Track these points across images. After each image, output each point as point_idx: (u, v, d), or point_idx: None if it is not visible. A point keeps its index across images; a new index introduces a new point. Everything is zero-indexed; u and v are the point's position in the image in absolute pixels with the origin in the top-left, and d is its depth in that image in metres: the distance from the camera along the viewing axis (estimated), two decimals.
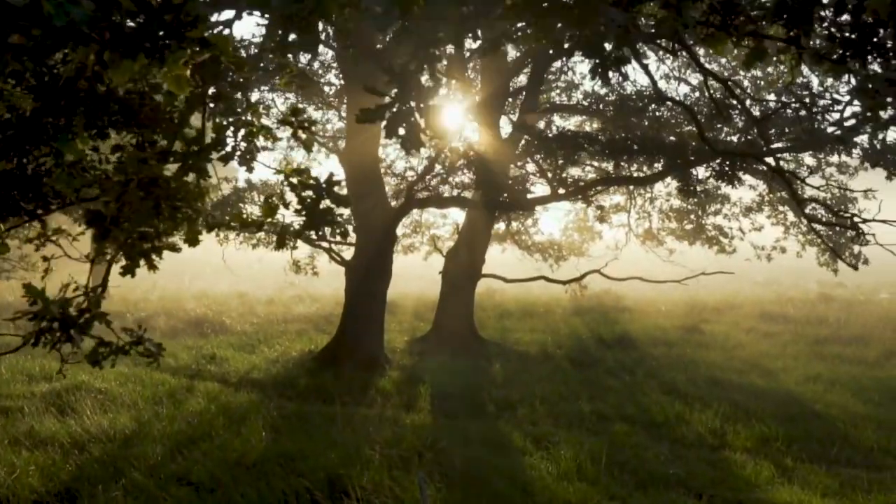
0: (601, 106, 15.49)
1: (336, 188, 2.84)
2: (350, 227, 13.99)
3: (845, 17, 3.96)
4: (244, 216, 3.25)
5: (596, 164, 14.75)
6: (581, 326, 18.54)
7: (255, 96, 17.46)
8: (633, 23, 2.48)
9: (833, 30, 4.14)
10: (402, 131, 2.16)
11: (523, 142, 13.47)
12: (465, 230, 16.16)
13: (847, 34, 3.94)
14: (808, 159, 16.93)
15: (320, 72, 17.09)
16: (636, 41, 2.57)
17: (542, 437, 8.88)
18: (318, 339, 15.73)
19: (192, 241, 3.13)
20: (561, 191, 12.62)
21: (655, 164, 12.28)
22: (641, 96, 12.66)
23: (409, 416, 10.02)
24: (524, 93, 15.72)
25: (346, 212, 14.86)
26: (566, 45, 2.62)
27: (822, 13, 4.00)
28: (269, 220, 3.03)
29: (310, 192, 2.81)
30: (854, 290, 24.84)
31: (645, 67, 5.43)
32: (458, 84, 16.78)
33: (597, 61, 2.66)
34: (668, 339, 16.84)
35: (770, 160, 11.05)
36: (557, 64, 19.45)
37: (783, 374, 13.37)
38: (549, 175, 12.56)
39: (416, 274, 25.20)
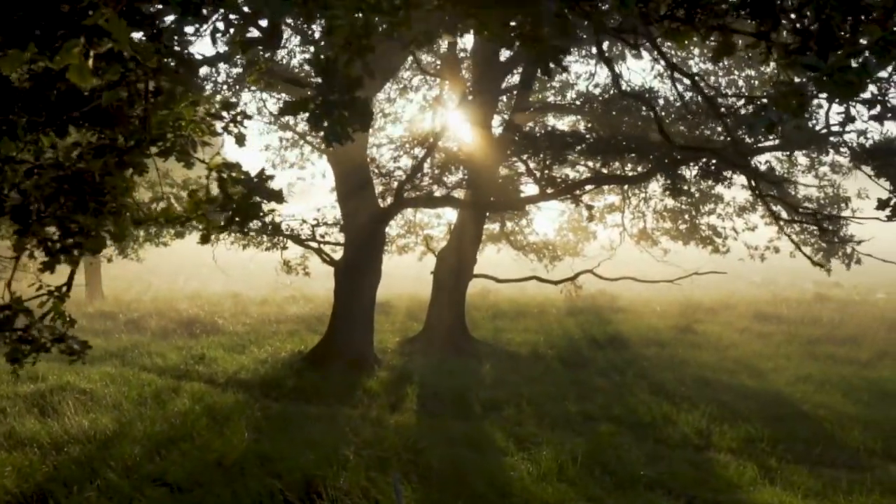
0: (594, 105, 15.40)
1: (268, 183, 2.80)
2: (337, 227, 13.95)
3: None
4: (171, 210, 3.20)
5: (589, 164, 14.67)
6: (574, 327, 18.47)
7: (246, 96, 17.47)
8: (574, 12, 2.42)
9: (797, 24, 4.08)
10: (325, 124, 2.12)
11: (512, 141, 13.39)
12: (457, 230, 16.11)
13: (807, 26, 3.88)
14: (802, 158, 16.86)
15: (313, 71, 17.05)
16: (576, 30, 2.51)
17: (525, 438, 8.82)
18: (309, 340, 15.67)
19: (119, 236, 3.08)
20: (549, 190, 12.55)
21: (645, 164, 12.20)
22: (633, 94, 12.55)
23: (393, 417, 9.97)
24: (515, 91, 15.65)
25: (335, 216, 14.79)
26: (508, 36, 2.57)
27: (786, 4, 3.93)
28: (195, 214, 2.99)
29: (240, 188, 2.77)
30: (850, 290, 24.72)
31: (608, 62, 5.35)
32: (451, 82, 16.77)
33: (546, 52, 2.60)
34: (661, 340, 16.76)
35: (758, 159, 10.96)
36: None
37: (774, 375, 13.28)
38: (537, 174, 12.49)
39: (410, 274, 25.14)
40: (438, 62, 18.10)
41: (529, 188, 14.20)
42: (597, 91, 16.85)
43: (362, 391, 11.61)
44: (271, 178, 2.87)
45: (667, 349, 15.65)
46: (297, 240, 14.10)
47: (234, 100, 13.66)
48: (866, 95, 5.71)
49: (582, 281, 19.22)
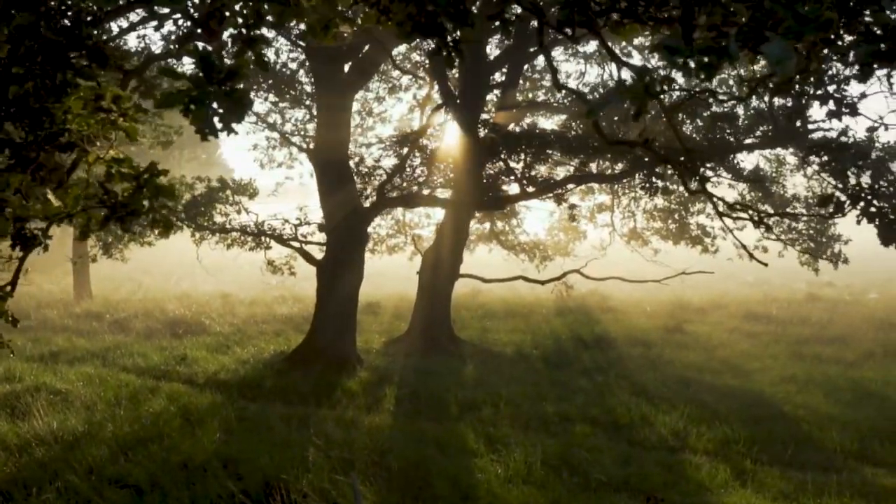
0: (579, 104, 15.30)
1: (160, 179, 2.72)
2: (321, 227, 13.86)
3: None
4: (50, 206, 3.11)
5: (573, 163, 14.58)
6: (562, 327, 18.36)
7: None
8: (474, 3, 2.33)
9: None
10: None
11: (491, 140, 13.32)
12: (443, 230, 16.01)
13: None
14: (791, 157, 16.76)
15: (299, 70, 16.96)
16: (481, 21, 2.43)
17: (497, 439, 8.72)
18: (294, 340, 15.57)
19: None
20: (530, 189, 12.47)
21: (624, 163, 12.12)
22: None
23: (368, 418, 9.88)
24: (499, 90, 15.56)
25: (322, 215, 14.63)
26: (409, 28, 2.49)
27: None
28: (75, 210, 2.90)
29: (127, 183, 2.69)
30: (842, 289, 24.60)
31: (546, 54, 5.25)
32: (438, 81, 16.68)
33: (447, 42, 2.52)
34: (649, 340, 16.65)
35: (740, 157, 10.82)
36: (541, 61, 19.33)
37: (759, 375, 13.19)
38: (518, 174, 12.41)
39: (402, 274, 25.02)
40: (427, 61, 18.05)
41: (513, 187, 14.13)
42: (586, 90, 16.81)
43: (341, 392, 11.54)
44: (164, 172, 2.80)
45: (653, 349, 15.56)
46: (280, 239, 14.03)
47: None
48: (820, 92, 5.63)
49: (573, 281, 19.14)
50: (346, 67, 13.15)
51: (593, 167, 14.93)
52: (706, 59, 2.05)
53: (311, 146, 15.60)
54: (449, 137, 15.87)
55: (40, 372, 11.98)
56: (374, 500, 6.56)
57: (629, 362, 14.18)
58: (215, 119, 2.07)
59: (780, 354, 15.04)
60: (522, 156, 12.15)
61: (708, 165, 12.42)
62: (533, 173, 12.42)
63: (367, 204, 14.13)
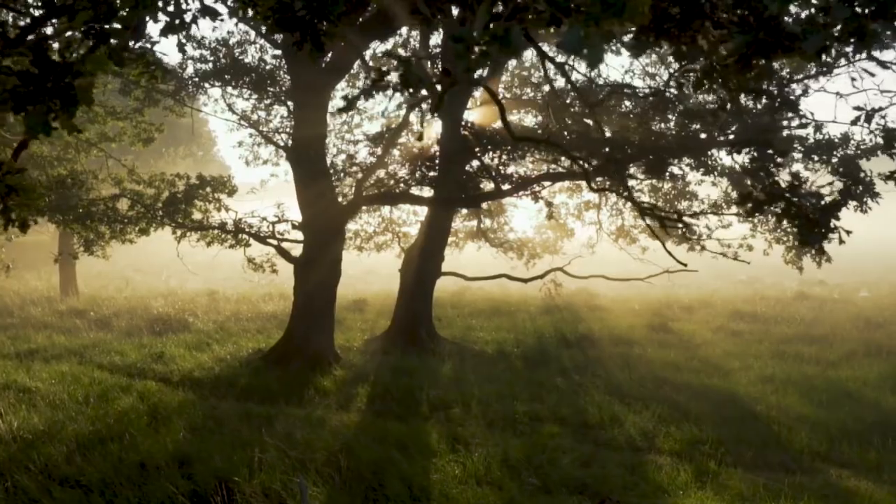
0: (560, 101, 15.21)
1: (14, 176, 2.64)
2: (299, 224, 13.78)
3: None
4: None
5: (552, 160, 14.48)
6: (547, 325, 18.28)
7: (218, 92, 17.30)
8: None
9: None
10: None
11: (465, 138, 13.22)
12: (424, 227, 15.93)
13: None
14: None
15: (279, 65, 16.84)
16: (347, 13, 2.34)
17: (462, 439, 8.66)
18: (275, 337, 15.49)
19: None
20: (505, 187, 12.38)
21: (596, 160, 12.01)
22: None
23: (336, 416, 9.82)
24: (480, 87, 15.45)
25: None
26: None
27: None
28: None
29: None
30: (832, 288, 24.47)
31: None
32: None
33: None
34: (633, 338, 16.58)
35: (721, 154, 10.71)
36: (527, 57, 19.23)
37: (738, 374, 13.10)
38: (493, 171, 12.32)
39: (389, 272, 24.96)
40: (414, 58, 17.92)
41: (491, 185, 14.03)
42: (569, 87, 16.69)
43: (314, 390, 11.47)
44: (21, 171, 2.73)
45: (635, 348, 15.47)
46: (257, 237, 13.97)
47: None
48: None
49: (562, 279, 19.03)
50: (323, 65, 13.05)
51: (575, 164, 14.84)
52: (486, 48, 2.00)
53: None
54: (431, 134, 15.79)
55: (13, 370, 11.94)
56: (324, 500, 6.49)
57: (609, 361, 14.09)
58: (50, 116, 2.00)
59: (761, 353, 14.95)
60: (497, 153, 12.06)
61: (687, 162, 12.33)
62: (509, 171, 12.33)
63: (346, 201, 14.04)
